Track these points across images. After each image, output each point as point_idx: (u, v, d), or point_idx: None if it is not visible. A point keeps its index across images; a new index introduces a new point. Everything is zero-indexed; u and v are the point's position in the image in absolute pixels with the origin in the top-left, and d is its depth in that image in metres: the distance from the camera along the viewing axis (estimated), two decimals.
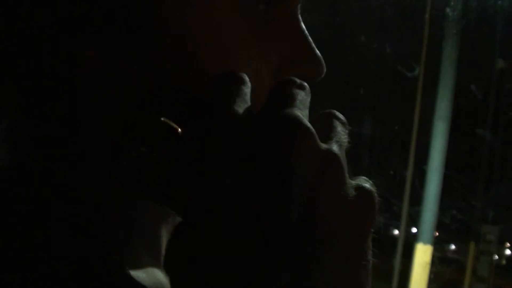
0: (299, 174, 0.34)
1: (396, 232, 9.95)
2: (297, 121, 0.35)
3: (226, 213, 0.33)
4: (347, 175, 0.37)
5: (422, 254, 8.96)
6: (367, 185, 0.38)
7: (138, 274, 0.45)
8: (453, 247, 10.18)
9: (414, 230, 9.55)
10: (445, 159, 8.37)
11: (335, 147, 0.37)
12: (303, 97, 0.39)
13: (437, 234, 9.02)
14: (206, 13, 0.43)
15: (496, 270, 8.24)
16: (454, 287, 9.42)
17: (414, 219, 9.56)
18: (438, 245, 9.62)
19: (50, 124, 0.45)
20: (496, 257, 8.57)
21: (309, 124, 0.35)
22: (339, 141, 0.38)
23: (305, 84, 0.41)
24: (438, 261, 9.84)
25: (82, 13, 0.43)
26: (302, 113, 0.36)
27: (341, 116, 0.42)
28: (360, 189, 0.37)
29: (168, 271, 0.34)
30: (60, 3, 0.42)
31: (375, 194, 0.38)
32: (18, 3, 0.42)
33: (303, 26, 0.49)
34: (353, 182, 0.37)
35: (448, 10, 8.17)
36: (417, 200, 9.25)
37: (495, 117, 7.65)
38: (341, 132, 0.40)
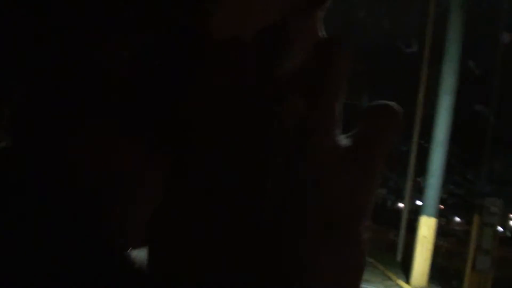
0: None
1: (401, 205, 10.00)
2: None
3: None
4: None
5: (426, 226, 9.05)
6: (366, 146, 0.32)
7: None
8: (457, 219, 10.26)
9: (419, 203, 9.62)
10: (449, 134, 8.39)
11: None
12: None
13: (442, 207, 9.08)
14: None
15: (500, 242, 8.31)
16: (458, 258, 9.53)
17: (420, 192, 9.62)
18: (443, 218, 9.68)
19: None
20: (501, 229, 8.65)
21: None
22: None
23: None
24: (442, 233, 9.92)
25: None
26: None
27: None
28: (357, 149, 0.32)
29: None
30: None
31: (375, 148, 0.32)
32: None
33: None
34: (347, 143, 0.32)
35: None
36: (421, 174, 9.30)
37: (497, 92, 7.66)
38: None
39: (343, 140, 0.32)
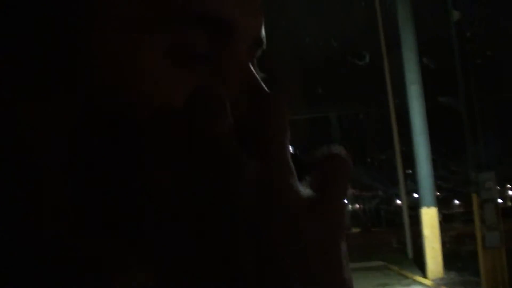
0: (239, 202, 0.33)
1: (398, 202, 9.97)
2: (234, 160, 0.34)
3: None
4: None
5: (429, 217, 9.01)
6: (326, 193, 0.34)
7: None
8: (456, 202, 10.21)
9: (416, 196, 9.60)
10: (426, 121, 8.41)
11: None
12: (224, 108, 0.37)
13: (438, 194, 9.05)
14: (139, 62, 0.43)
15: (504, 213, 8.28)
16: (467, 240, 9.48)
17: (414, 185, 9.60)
18: (442, 204, 9.63)
19: None
20: (500, 201, 8.61)
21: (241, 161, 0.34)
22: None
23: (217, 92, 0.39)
24: (446, 220, 9.87)
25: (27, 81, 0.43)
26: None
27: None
28: (317, 200, 0.34)
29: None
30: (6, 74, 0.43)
31: (336, 200, 0.34)
32: None
33: (251, 68, 0.48)
34: (307, 193, 0.34)
35: None
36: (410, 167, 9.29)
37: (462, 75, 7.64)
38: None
39: (303, 191, 0.34)
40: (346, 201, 0.36)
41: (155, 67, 0.44)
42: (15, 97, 0.45)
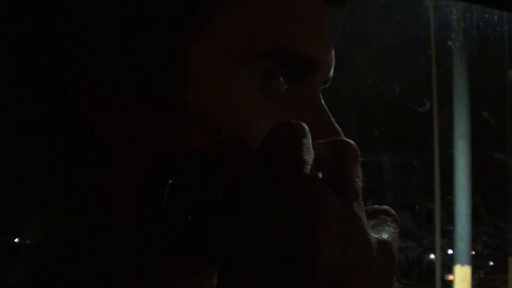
0: (321, 251, 0.35)
1: (432, 256, 9.78)
2: (320, 206, 0.36)
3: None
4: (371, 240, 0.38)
5: (461, 275, 8.80)
6: (386, 236, 0.39)
7: None
8: (491, 263, 9.98)
9: (450, 252, 9.40)
10: (470, 176, 8.28)
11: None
12: (308, 142, 0.40)
13: (473, 253, 8.86)
14: (227, 87, 0.45)
15: None
16: None
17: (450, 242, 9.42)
18: (477, 263, 9.42)
19: (80, 197, 0.49)
20: None
21: (329, 203, 0.36)
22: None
23: (303, 125, 0.41)
24: (479, 280, 9.64)
25: (110, 89, 0.46)
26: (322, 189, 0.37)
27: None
28: (381, 242, 0.38)
29: None
30: (91, 81, 0.46)
31: (395, 244, 0.39)
32: (53, 77, 0.46)
33: (324, 104, 0.51)
34: (375, 237, 0.38)
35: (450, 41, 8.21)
36: (449, 221, 9.13)
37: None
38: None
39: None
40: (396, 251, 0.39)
41: (243, 92, 0.46)
42: (103, 104, 0.47)
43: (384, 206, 0.43)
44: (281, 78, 0.47)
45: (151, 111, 0.46)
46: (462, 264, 8.83)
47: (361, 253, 0.36)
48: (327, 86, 0.53)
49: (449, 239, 9.10)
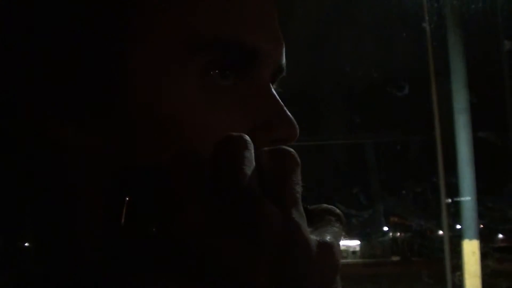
0: (266, 253, 0.38)
1: (440, 232, 9.80)
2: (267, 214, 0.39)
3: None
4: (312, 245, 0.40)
5: (470, 249, 8.81)
6: (328, 237, 0.42)
7: None
8: (500, 236, 10.01)
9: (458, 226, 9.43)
10: (473, 152, 8.26)
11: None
12: (249, 155, 0.42)
13: (482, 226, 8.86)
14: (169, 86, 0.45)
15: None
16: (510, 277, 9.23)
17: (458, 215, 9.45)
18: (486, 237, 9.44)
19: (50, 209, 0.49)
20: None
21: (270, 210, 0.39)
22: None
23: (247, 139, 0.43)
24: (488, 253, 9.67)
25: (57, 99, 0.46)
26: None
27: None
28: (322, 244, 0.41)
29: None
30: (48, 96, 0.46)
31: (336, 243, 0.42)
32: (12, 95, 0.46)
33: (274, 93, 0.51)
34: (315, 239, 0.41)
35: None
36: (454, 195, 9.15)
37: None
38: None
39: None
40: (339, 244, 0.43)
41: (187, 89, 0.46)
42: (54, 116, 0.46)
43: (329, 206, 0.47)
44: (226, 71, 0.47)
45: (101, 120, 0.46)
46: (470, 238, 8.86)
47: (300, 257, 0.39)
48: (283, 74, 0.53)
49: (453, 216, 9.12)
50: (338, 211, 0.46)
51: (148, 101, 0.45)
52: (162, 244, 0.40)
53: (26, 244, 0.52)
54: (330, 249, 0.41)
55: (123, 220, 0.42)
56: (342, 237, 0.44)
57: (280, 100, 0.51)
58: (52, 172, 0.48)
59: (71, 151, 0.47)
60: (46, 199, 0.49)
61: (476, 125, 8.36)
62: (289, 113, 0.50)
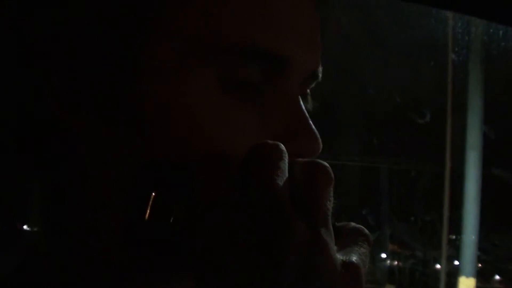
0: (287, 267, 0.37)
1: (438, 266, 9.72)
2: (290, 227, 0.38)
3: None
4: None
5: (466, 287, 8.73)
6: (354, 258, 0.40)
7: None
8: (497, 277, 9.92)
9: (457, 263, 9.35)
10: (481, 190, 8.20)
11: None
12: (283, 166, 0.41)
13: (480, 265, 8.78)
14: (186, 88, 0.44)
15: None
16: None
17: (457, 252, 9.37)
18: (483, 277, 9.35)
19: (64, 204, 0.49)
20: None
21: (296, 230, 0.38)
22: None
23: (282, 147, 0.42)
24: None
25: (75, 90, 0.46)
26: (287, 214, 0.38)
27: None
28: (348, 265, 0.40)
29: None
30: (59, 81, 0.46)
31: (362, 265, 0.41)
32: (26, 86, 0.46)
33: (301, 104, 0.49)
34: (341, 259, 0.39)
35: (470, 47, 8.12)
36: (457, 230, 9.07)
37: None
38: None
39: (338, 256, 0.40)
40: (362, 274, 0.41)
41: (204, 95, 0.45)
42: (72, 110, 0.46)
43: (358, 225, 0.45)
44: (250, 79, 0.46)
45: (119, 114, 0.45)
46: (467, 276, 8.78)
47: (324, 277, 0.37)
48: (319, 80, 0.51)
49: (451, 251, 9.02)
50: (366, 231, 0.45)
51: (161, 102, 0.44)
52: (185, 244, 0.39)
53: (42, 239, 0.52)
54: (356, 270, 0.40)
55: (147, 216, 0.41)
56: (368, 259, 0.42)
57: (306, 113, 0.49)
58: (70, 164, 0.47)
59: (88, 144, 0.46)
60: (63, 190, 0.48)
61: (490, 162, 8.29)
62: (314, 127, 0.49)
